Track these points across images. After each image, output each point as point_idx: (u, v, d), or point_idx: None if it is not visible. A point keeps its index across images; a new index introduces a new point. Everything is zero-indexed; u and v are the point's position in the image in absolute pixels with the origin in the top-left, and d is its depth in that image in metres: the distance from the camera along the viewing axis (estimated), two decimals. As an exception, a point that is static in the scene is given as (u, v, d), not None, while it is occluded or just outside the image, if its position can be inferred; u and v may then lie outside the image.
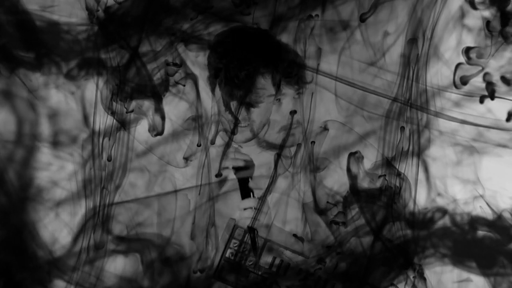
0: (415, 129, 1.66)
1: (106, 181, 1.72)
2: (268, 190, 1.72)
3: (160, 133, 1.74)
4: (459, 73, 1.65)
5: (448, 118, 1.67)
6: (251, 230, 1.68)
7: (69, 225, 1.74)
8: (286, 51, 1.72)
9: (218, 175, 1.74)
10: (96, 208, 1.71)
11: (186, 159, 1.78)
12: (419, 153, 1.65)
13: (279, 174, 1.74)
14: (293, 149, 1.76)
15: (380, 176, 1.65)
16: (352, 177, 1.68)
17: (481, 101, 1.63)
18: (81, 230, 1.72)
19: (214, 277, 1.68)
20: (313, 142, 1.73)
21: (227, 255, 1.69)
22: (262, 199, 1.72)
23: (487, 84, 1.63)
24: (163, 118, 1.72)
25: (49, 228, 1.74)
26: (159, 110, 1.71)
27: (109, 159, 1.73)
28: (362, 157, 1.69)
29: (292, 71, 1.72)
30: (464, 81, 1.65)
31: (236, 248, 1.69)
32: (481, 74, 1.64)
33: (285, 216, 1.75)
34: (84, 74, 1.74)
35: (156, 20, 1.72)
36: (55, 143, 1.77)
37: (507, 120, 1.64)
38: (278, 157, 1.74)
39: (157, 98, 1.71)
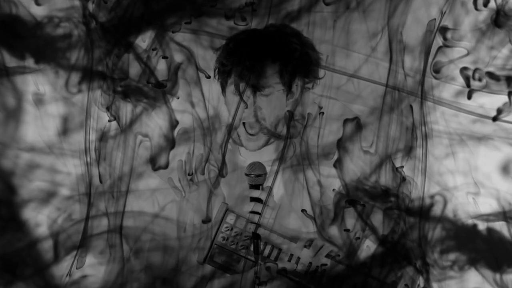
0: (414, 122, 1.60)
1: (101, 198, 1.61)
2: (282, 155, 1.67)
3: (164, 166, 1.61)
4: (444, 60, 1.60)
5: (448, 106, 1.62)
6: (256, 236, 1.65)
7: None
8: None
9: (206, 221, 1.68)
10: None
11: (192, 180, 1.69)
12: (427, 145, 1.60)
13: (292, 134, 1.68)
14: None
15: (397, 168, 1.59)
16: (342, 148, 1.57)
17: (469, 97, 1.58)
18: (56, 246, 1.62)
19: (204, 262, 1.67)
20: (321, 113, 1.65)
21: (218, 239, 1.67)
22: (278, 165, 1.67)
23: (461, 70, 1.57)
24: (172, 147, 1.57)
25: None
26: (170, 141, 1.57)
27: (101, 181, 1.59)
28: (361, 127, 1.60)
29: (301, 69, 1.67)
30: (436, 68, 1.59)
31: (227, 232, 1.67)
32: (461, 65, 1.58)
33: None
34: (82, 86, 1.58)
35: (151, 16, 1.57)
36: (58, 148, 1.64)
37: (494, 119, 1.59)
38: (290, 115, 1.68)
39: (172, 124, 1.57)
